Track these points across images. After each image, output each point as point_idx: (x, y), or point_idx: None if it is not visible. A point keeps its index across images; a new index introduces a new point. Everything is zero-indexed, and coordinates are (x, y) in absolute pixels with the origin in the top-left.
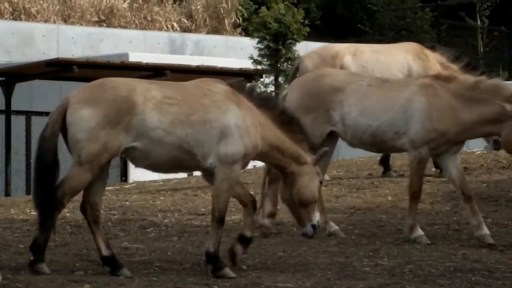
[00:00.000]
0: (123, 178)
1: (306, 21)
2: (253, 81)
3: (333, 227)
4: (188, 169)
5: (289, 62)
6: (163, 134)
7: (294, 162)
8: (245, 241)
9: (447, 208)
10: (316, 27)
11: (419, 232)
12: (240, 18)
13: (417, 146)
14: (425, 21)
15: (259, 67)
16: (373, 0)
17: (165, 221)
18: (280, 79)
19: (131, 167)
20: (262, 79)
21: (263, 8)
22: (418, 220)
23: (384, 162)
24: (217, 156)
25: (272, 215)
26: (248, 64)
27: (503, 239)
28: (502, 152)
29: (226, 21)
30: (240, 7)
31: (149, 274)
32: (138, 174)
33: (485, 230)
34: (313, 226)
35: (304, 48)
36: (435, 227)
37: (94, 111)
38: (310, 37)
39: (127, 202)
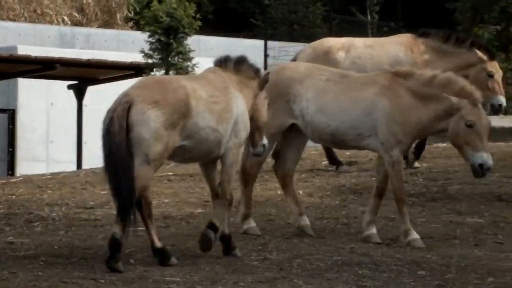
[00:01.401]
0: (10, 172)
1: (198, 15)
2: (143, 74)
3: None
4: (211, 159)
5: (180, 56)
6: (210, 132)
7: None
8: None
9: (336, 202)
10: (208, 21)
11: (414, 235)
12: (132, 12)
13: (388, 149)
14: (316, 15)
15: (150, 60)
16: None
17: (52, 214)
18: (171, 73)
19: (19, 160)
20: (153, 73)
21: (155, 2)
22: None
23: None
24: (230, 143)
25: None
26: (139, 58)
27: (390, 232)
28: None
29: (118, 15)
30: (131, 1)
31: (34, 269)
32: (25, 168)
33: (373, 230)
34: (263, 146)
35: (196, 42)
36: (324, 221)
37: (159, 112)
38: (202, 31)
39: (13, 196)
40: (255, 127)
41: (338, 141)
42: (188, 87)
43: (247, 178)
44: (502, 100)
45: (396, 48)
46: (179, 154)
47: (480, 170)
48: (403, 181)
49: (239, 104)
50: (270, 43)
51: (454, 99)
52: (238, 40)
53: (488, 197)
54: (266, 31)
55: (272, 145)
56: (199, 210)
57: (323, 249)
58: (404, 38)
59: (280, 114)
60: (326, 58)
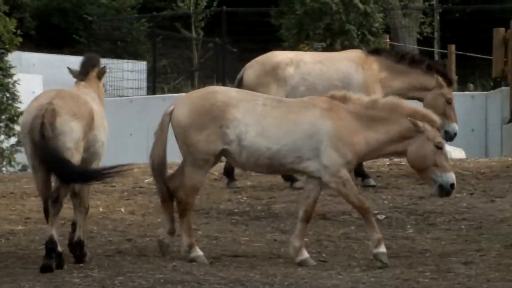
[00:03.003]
0: None
1: (19, 31)
2: None
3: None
4: None
5: (1, 72)
6: (101, 145)
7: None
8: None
9: (159, 220)
10: (30, 37)
11: (383, 249)
12: None
13: (335, 171)
14: (140, 32)
15: None
16: (88, 10)
17: None
18: None
19: None
20: None
21: None
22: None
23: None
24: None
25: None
26: None
27: (213, 251)
28: None
29: None
30: None
31: None
32: None
33: (305, 254)
34: None
35: (17, 58)
36: (146, 239)
37: (79, 124)
38: (24, 47)
39: None
40: None
41: (276, 165)
42: (89, 101)
43: (185, 207)
44: (457, 128)
45: (347, 64)
46: None
47: (450, 190)
48: (358, 196)
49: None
50: None
51: (419, 123)
52: (61, 56)
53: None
54: (89, 47)
55: (207, 171)
56: (20, 227)
57: (145, 266)
58: (355, 54)
59: (213, 139)
60: (274, 73)
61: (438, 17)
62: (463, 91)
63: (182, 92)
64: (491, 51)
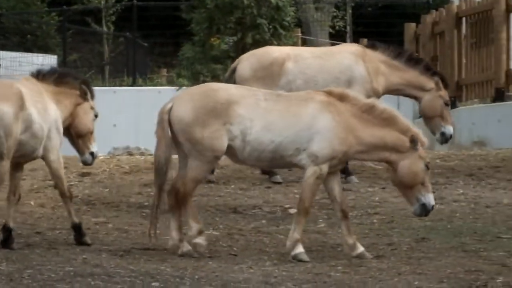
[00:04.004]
0: None
1: None
2: None
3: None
4: (30, 158)
5: None
6: (39, 128)
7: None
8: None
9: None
10: None
11: (300, 249)
12: None
13: (319, 162)
14: (51, 25)
15: None
16: None
17: None
18: None
19: None
20: None
21: None
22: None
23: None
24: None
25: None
26: None
27: (123, 244)
28: (125, 158)
29: None
30: None
31: None
32: None
33: (361, 248)
34: (92, 154)
35: None
36: (56, 232)
37: (8, 107)
38: None
39: None
40: (77, 135)
41: (278, 158)
42: (15, 83)
43: (184, 197)
44: (453, 131)
45: (348, 57)
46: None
47: (430, 211)
48: (315, 195)
49: (52, 110)
50: (3, 53)
51: (419, 141)
52: None
53: (223, 209)
54: None
55: (212, 167)
56: None
57: (55, 259)
58: (354, 48)
59: (218, 136)
60: (271, 69)
61: (350, 11)
62: None
63: (93, 86)
64: (402, 46)
